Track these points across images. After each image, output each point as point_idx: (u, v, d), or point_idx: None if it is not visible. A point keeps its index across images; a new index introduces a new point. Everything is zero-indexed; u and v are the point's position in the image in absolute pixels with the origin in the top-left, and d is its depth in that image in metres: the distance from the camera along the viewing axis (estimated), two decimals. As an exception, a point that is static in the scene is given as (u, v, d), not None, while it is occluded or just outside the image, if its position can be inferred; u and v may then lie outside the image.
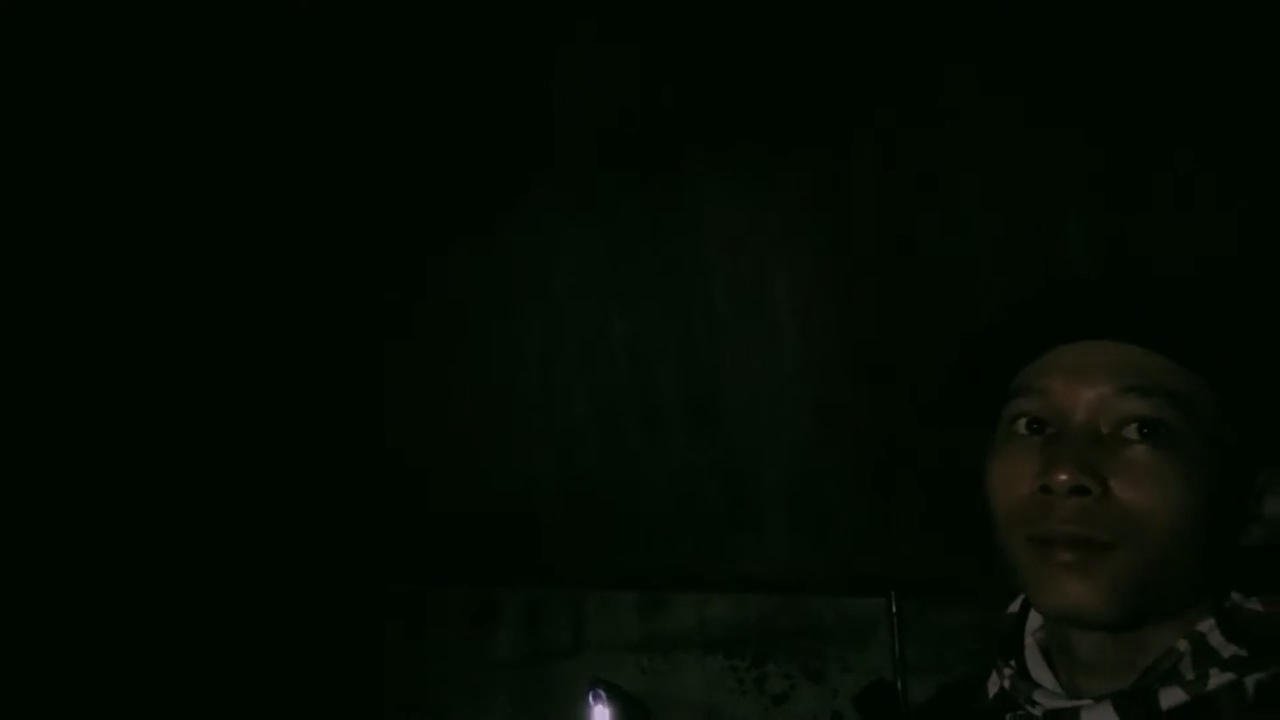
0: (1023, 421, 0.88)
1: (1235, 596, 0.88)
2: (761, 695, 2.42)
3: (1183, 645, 0.86)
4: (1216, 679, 0.84)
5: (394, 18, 2.50)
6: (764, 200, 2.33)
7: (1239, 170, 1.81)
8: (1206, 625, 0.86)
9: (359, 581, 2.84)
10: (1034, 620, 0.96)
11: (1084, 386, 0.86)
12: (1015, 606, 0.98)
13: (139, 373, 2.87)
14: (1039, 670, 0.93)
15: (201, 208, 2.83)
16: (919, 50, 2.09)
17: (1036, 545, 0.86)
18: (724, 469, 2.44)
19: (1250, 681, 0.84)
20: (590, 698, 2.31)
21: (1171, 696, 0.84)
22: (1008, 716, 0.92)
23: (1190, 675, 0.85)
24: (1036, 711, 0.90)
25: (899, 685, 2.18)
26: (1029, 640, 0.95)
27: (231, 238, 2.83)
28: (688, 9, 2.30)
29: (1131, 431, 0.84)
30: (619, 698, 2.37)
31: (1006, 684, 0.93)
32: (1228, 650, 0.85)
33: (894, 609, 2.19)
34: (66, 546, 2.80)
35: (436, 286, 2.73)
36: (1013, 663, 0.94)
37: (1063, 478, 0.84)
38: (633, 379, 2.51)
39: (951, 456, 2.01)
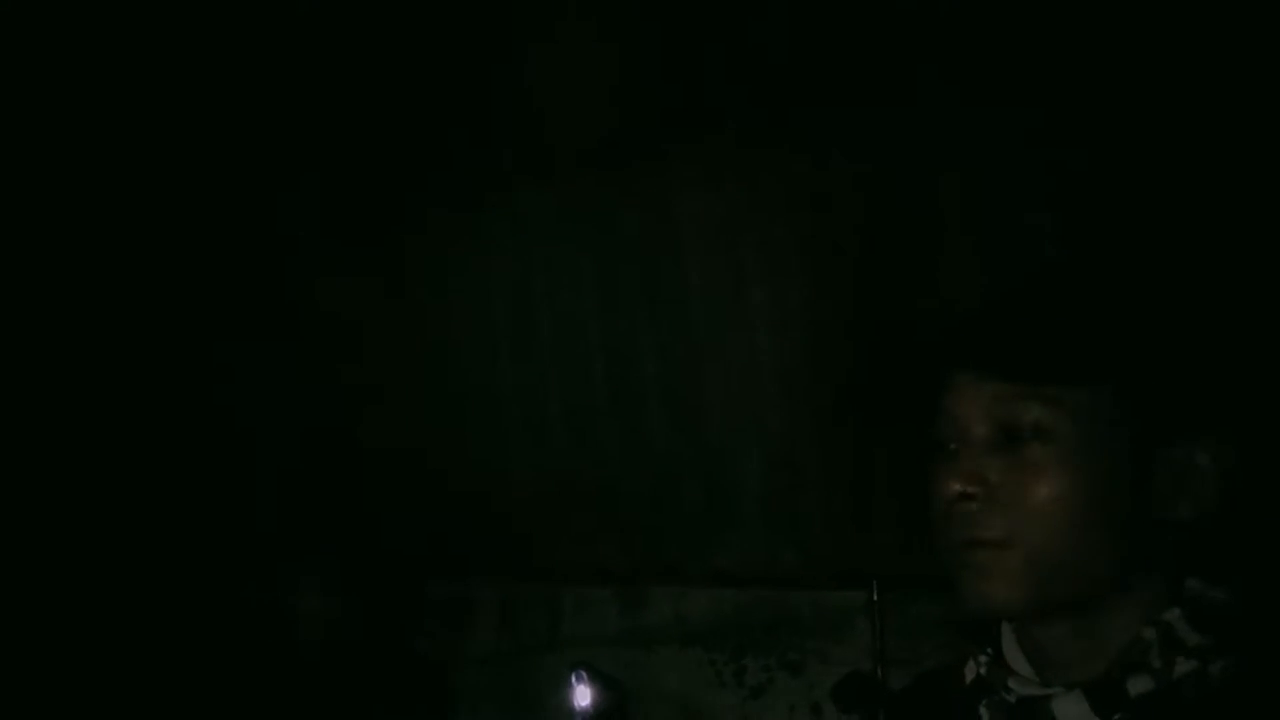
0: (938, 443, 0.95)
1: (1195, 584, 0.91)
2: (740, 688, 2.44)
3: (1149, 634, 0.89)
4: (1182, 666, 0.87)
5: (373, 14, 2.51)
6: (741, 197, 2.35)
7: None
8: (1173, 615, 0.89)
9: (334, 577, 2.84)
10: None
11: (972, 404, 0.92)
12: None
13: (118, 372, 2.87)
14: (1015, 658, 0.96)
15: (186, 206, 2.83)
16: (895, 50, 2.12)
17: (950, 553, 0.93)
18: (701, 463, 2.46)
19: (1214, 668, 0.87)
20: (573, 678, 2.35)
21: (1139, 684, 0.88)
22: (983, 702, 0.95)
23: (1157, 663, 0.88)
24: (1010, 698, 0.93)
25: (879, 674, 2.21)
26: (1005, 628, 0.98)
27: (212, 231, 2.83)
28: (666, 9, 2.31)
29: (1016, 436, 0.91)
30: (600, 679, 2.40)
31: (983, 671, 0.96)
32: (1193, 639, 0.88)
33: (874, 598, 2.21)
34: (61, 556, 2.80)
35: (412, 281, 2.74)
36: (989, 650, 0.97)
37: (951, 486, 0.91)
38: (610, 374, 2.53)
39: (916, 458, 2.04)
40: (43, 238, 2.81)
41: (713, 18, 2.30)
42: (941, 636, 2.19)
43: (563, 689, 2.40)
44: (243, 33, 2.57)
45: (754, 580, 2.43)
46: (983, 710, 0.95)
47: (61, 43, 2.63)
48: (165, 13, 2.56)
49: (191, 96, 2.71)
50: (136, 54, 2.66)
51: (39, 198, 2.79)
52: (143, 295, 2.87)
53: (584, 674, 2.37)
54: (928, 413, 0.96)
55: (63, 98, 2.70)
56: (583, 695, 2.35)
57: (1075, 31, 1.92)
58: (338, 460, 2.85)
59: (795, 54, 2.22)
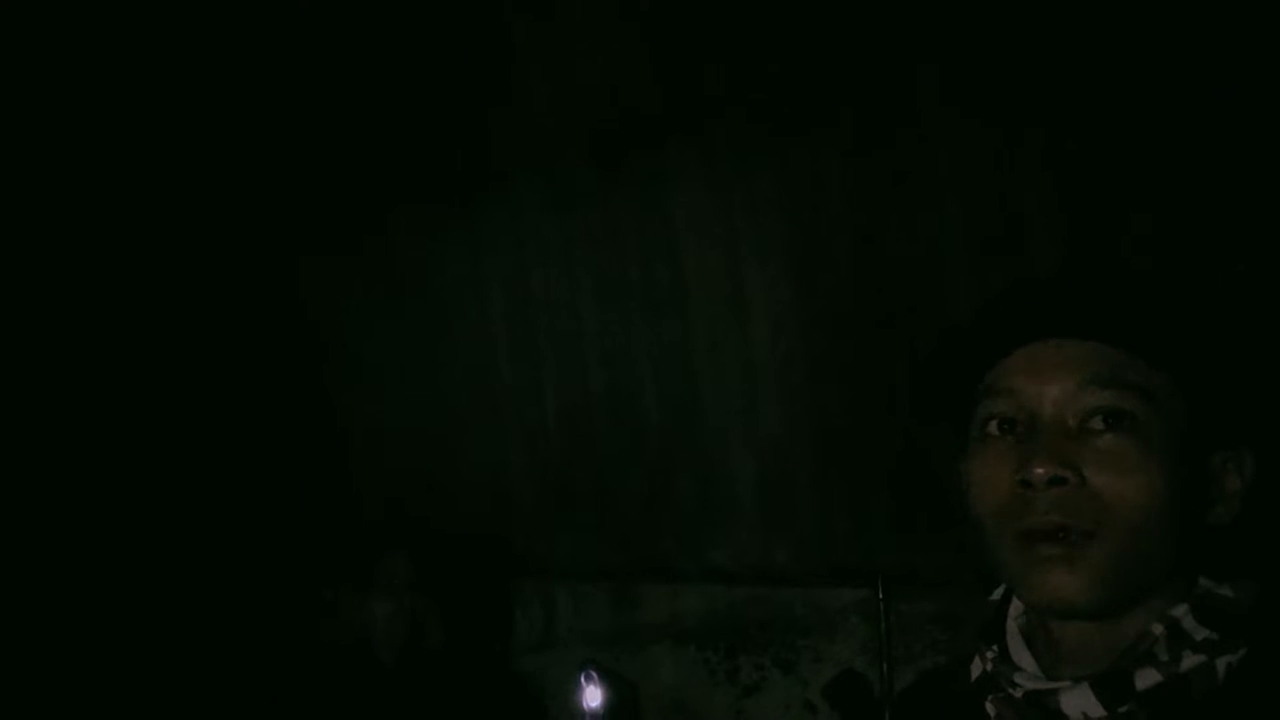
0: (994, 423, 0.92)
1: (1206, 582, 0.92)
2: (733, 686, 2.45)
3: (1158, 629, 0.89)
4: (1189, 661, 0.88)
5: (368, 7, 2.50)
6: (737, 197, 2.35)
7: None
8: (1180, 610, 0.90)
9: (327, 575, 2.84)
10: (1016, 607, 0.99)
11: (1047, 383, 0.89)
12: (998, 594, 1.01)
13: (108, 372, 2.86)
14: (1020, 654, 0.96)
15: (182, 207, 2.82)
16: (888, 48, 2.12)
17: (1022, 541, 0.89)
18: (696, 462, 2.46)
19: (1221, 663, 0.88)
20: (582, 678, 2.35)
21: (1146, 678, 0.88)
22: (989, 698, 0.95)
23: (1164, 657, 0.88)
24: (1017, 693, 0.93)
25: (883, 672, 2.21)
26: (1011, 625, 0.98)
27: (208, 229, 2.82)
28: (662, 6, 2.31)
29: (1097, 422, 0.88)
30: (609, 678, 2.39)
31: (989, 667, 0.96)
32: (1200, 634, 0.88)
33: (880, 595, 2.22)
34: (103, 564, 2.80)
35: (410, 281, 2.74)
36: (995, 647, 0.97)
37: (1040, 470, 0.87)
38: (605, 372, 2.53)
39: (923, 452, 2.05)
40: (42, 239, 2.79)
41: (709, 18, 2.30)
42: (931, 634, 2.21)
43: (567, 687, 2.39)
44: (237, 25, 2.56)
45: (747, 579, 2.44)
46: (989, 706, 0.95)
47: (47, 37, 2.61)
48: (163, 10, 2.55)
49: (186, 95, 2.70)
50: (126, 46, 2.64)
51: (34, 200, 2.77)
52: (154, 295, 2.86)
53: (593, 673, 2.35)
54: (968, 396, 0.93)
55: (49, 97, 2.68)
56: (592, 695, 2.33)
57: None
58: (333, 465, 2.85)
59: (790, 53, 2.22)
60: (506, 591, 2.71)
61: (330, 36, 2.55)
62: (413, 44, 2.54)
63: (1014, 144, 2.00)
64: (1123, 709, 0.88)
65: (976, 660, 0.98)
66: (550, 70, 2.46)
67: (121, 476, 2.85)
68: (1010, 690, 0.93)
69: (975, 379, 0.95)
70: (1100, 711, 0.88)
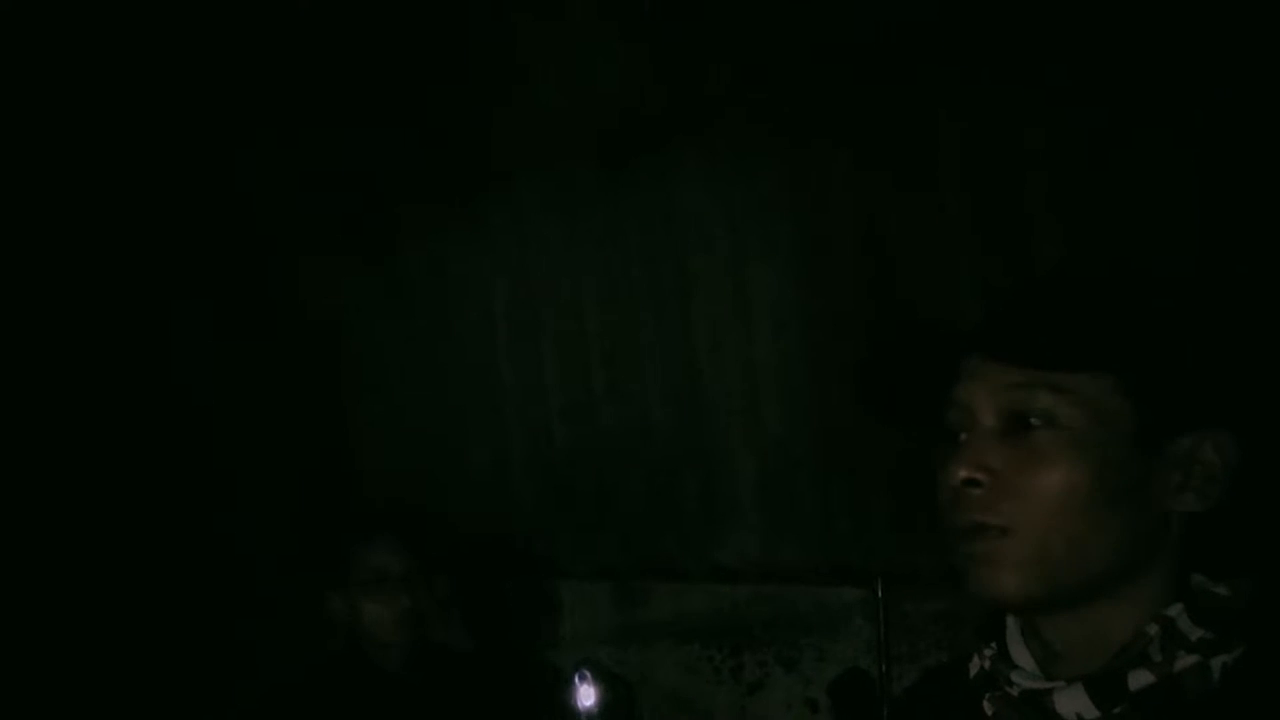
0: (952, 432, 0.96)
1: (1200, 579, 0.92)
2: (737, 684, 2.46)
3: (1152, 629, 0.90)
4: (1183, 661, 0.88)
5: (372, 9, 2.51)
6: (740, 195, 2.36)
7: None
8: (1175, 610, 0.90)
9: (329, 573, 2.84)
10: None
11: (977, 392, 0.94)
12: None
13: (106, 372, 2.86)
14: (1019, 652, 0.97)
15: (182, 206, 2.82)
16: (888, 48, 2.12)
17: (955, 540, 0.94)
18: (700, 460, 2.47)
19: (1216, 663, 0.88)
20: (576, 678, 2.32)
21: (1139, 678, 0.88)
22: (986, 696, 0.96)
23: (1158, 658, 0.88)
24: (1014, 691, 0.93)
25: (883, 670, 2.22)
26: (1010, 624, 0.98)
27: (207, 229, 2.83)
28: (668, 6, 2.32)
29: (1022, 424, 0.92)
30: (604, 677, 2.38)
31: (986, 665, 0.97)
32: (1195, 633, 0.89)
33: (879, 594, 2.22)
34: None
35: (412, 281, 2.74)
36: (993, 645, 0.97)
37: (958, 473, 0.92)
38: (609, 371, 2.54)
39: (923, 451, 2.05)
40: (40, 239, 2.80)
41: (712, 16, 2.30)
42: (934, 633, 2.22)
43: (567, 687, 2.39)
44: (237, 24, 2.57)
45: (751, 577, 2.44)
46: (986, 704, 0.96)
47: (46, 37, 2.61)
48: (163, 9, 2.56)
49: (186, 95, 2.70)
50: (125, 46, 2.65)
51: (33, 199, 2.78)
52: (154, 295, 2.86)
53: (587, 673, 2.34)
54: (939, 406, 0.97)
55: (47, 97, 2.69)
56: (586, 695, 2.32)
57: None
58: (335, 462, 2.85)
59: (795, 51, 2.23)
60: (511, 587, 2.71)
61: (330, 36, 2.55)
62: (414, 43, 2.54)
63: (1015, 144, 2.01)
64: (1116, 710, 0.88)
65: (975, 658, 0.99)
66: (552, 70, 2.47)
67: (120, 476, 2.85)
68: (1007, 689, 0.94)
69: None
70: (1094, 712, 0.88)
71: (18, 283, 2.77)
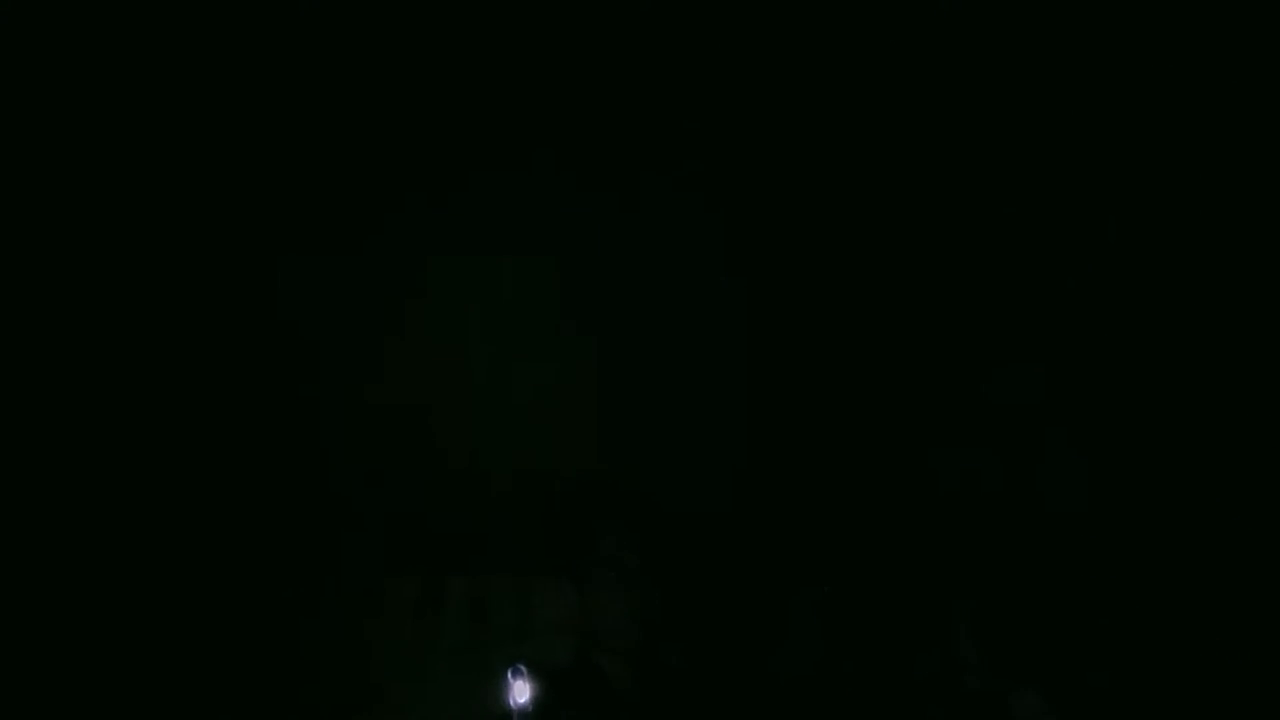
0: None
1: None
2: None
3: None
4: None
5: (372, 9, 2.52)
6: (715, 205, 2.40)
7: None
8: None
9: (307, 571, 2.83)
10: None
11: None
12: None
13: (104, 371, 2.84)
14: None
15: (178, 208, 2.81)
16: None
17: None
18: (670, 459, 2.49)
19: None
20: (510, 674, 2.28)
21: None
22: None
23: None
24: None
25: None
26: None
27: (201, 224, 2.82)
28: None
29: None
30: (545, 675, 2.32)
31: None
32: None
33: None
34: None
35: (389, 279, 2.75)
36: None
37: None
38: (584, 371, 2.56)
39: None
40: (38, 238, 2.79)
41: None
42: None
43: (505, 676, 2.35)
44: (236, 24, 2.58)
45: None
46: None
47: (46, 36, 2.61)
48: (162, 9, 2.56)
49: (185, 94, 2.70)
50: (123, 46, 2.65)
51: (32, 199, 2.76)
52: (154, 295, 2.84)
53: (521, 669, 2.30)
54: None
55: (46, 97, 2.68)
56: (520, 691, 2.28)
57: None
58: (310, 460, 2.84)
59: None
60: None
61: (330, 35, 2.56)
62: (412, 41, 2.56)
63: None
64: None
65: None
66: (529, 68, 2.48)
67: (119, 475, 2.83)
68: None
69: None
70: None
71: (13, 281, 2.75)
